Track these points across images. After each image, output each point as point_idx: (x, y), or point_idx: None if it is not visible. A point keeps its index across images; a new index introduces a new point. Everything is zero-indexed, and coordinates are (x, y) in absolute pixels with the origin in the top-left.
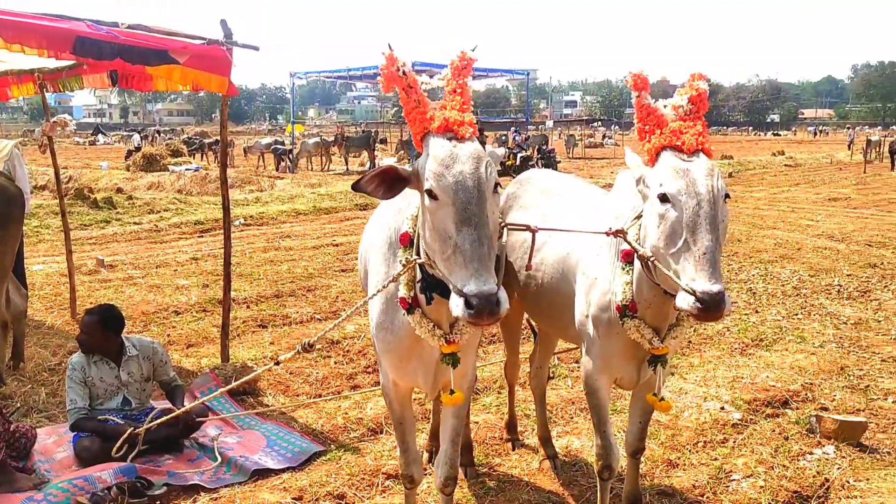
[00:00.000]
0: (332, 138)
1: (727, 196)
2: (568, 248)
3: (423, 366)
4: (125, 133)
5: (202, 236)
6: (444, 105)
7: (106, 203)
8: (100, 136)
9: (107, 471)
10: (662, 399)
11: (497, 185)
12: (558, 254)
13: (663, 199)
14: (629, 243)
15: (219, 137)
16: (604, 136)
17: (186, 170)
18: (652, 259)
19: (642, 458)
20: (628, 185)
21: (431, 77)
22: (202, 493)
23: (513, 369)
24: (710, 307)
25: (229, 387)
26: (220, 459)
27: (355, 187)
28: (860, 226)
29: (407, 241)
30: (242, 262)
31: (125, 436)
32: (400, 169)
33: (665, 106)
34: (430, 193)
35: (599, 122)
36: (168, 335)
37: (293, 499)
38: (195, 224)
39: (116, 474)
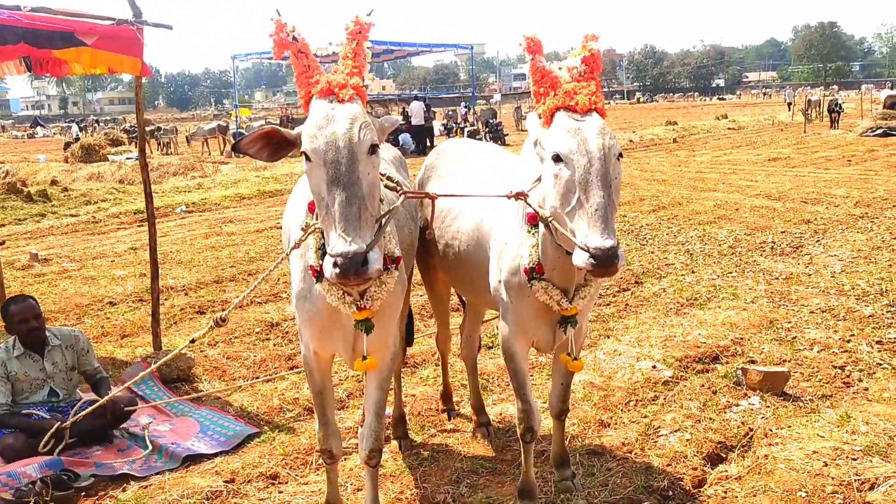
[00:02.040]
0: (277, 121)
1: (620, 155)
2: (481, 216)
3: (342, 333)
4: (64, 124)
5: (142, 225)
6: (336, 70)
7: (40, 196)
8: (38, 129)
9: (31, 465)
10: (576, 358)
11: (374, 146)
12: (473, 222)
13: (556, 158)
14: (530, 205)
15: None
16: None
17: (127, 159)
18: (551, 220)
19: (571, 420)
20: (531, 150)
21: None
22: (132, 482)
23: (445, 341)
24: (604, 262)
25: (149, 369)
26: (150, 447)
27: (235, 147)
28: (797, 184)
29: (314, 208)
30: (182, 250)
31: (52, 430)
32: (283, 131)
33: (560, 68)
34: (306, 155)
35: None
36: (102, 327)
37: (225, 482)
38: (135, 213)
39: (42, 468)
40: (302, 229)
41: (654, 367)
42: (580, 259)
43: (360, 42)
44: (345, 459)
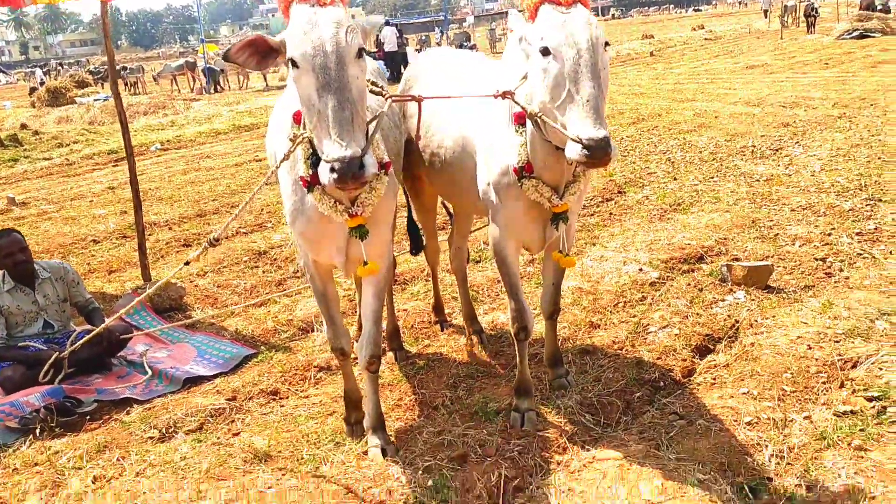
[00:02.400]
0: None
1: (607, 44)
2: (467, 121)
3: (335, 242)
4: (27, 70)
5: (117, 165)
6: None
7: (11, 141)
8: (0, 76)
9: (33, 395)
10: (567, 255)
11: (361, 50)
12: (458, 128)
13: (545, 52)
14: (517, 103)
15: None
16: None
17: (95, 100)
18: (540, 116)
19: (562, 323)
20: (516, 49)
21: None
22: (135, 406)
23: (433, 253)
24: (597, 152)
25: (141, 297)
26: (150, 373)
27: (225, 57)
28: (776, 90)
29: (299, 118)
30: (162, 186)
31: (51, 360)
32: (269, 38)
33: None
34: (293, 62)
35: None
36: (88, 264)
37: (227, 399)
38: (108, 154)
39: (44, 397)
40: (290, 140)
41: (641, 269)
42: (573, 151)
43: None
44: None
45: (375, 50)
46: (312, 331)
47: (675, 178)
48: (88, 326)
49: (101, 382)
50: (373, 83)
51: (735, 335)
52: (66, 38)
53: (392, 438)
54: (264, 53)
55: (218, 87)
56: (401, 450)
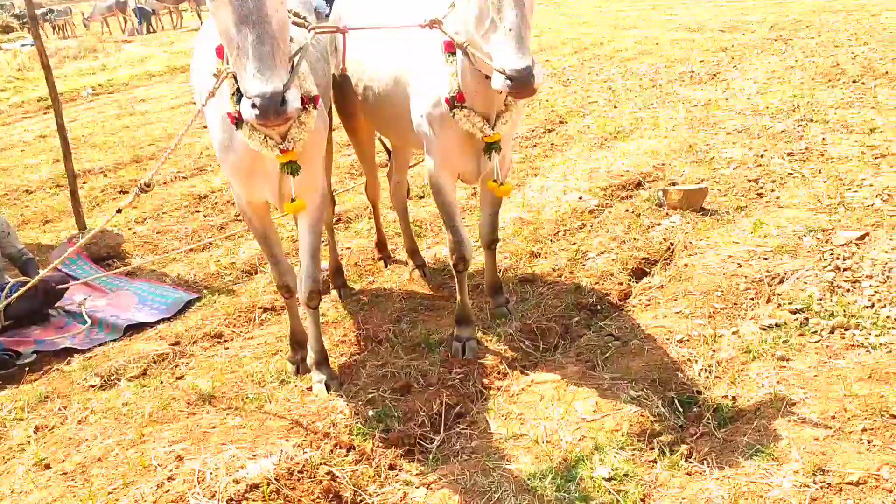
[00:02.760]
0: None
1: None
2: (399, 53)
3: (267, 179)
4: None
5: (48, 112)
6: None
7: None
8: None
9: None
10: (502, 184)
11: None
12: (390, 60)
13: None
14: (445, 32)
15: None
16: None
17: (22, 46)
18: (467, 45)
19: (503, 253)
20: None
21: None
22: (76, 355)
23: (373, 189)
24: (520, 82)
25: (76, 246)
26: (89, 322)
27: None
28: (715, 14)
29: (222, 53)
30: (95, 133)
31: None
32: None
33: None
34: None
35: None
36: (22, 215)
37: (170, 345)
38: (38, 101)
39: None
40: (214, 76)
41: (581, 198)
42: (498, 82)
43: None
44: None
45: None
46: (256, 273)
47: (615, 107)
48: (23, 278)
49: (39, 334)
50: (295, 13)
51: (670, 257)
52: None
53: (336, 373)
54: None
55: (150, 28)
56: (345, 384)
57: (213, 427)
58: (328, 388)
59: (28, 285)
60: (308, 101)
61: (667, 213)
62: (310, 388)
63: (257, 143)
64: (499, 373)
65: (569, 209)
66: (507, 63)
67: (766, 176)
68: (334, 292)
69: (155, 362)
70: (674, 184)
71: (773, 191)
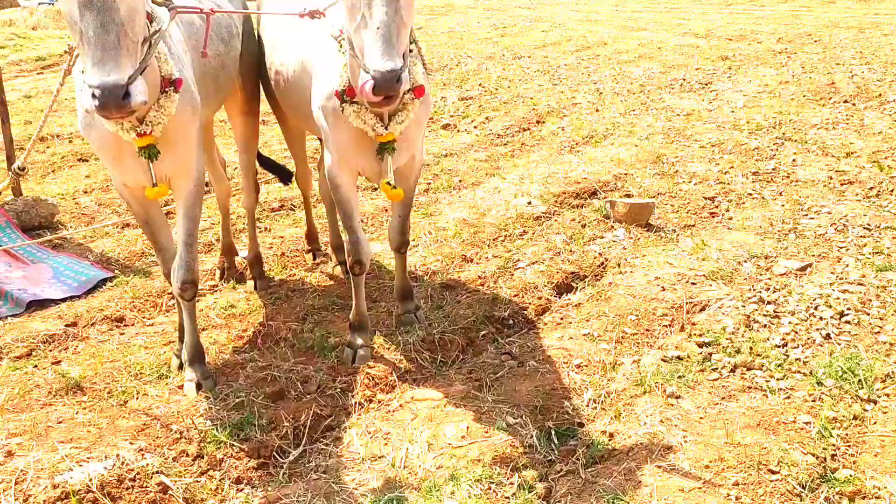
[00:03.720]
0: None
1: None
2: (303, 40)
3: (136, 162)
4: None
5: (42, 73)
6: None
7: None
8: None
9: None
10: (395, 187)
11: None
12: (297, 48)
13: None
14: (330, 24)
15: None
16: None
17: (40, 4)
18: (342, 39)
19: (435, 255)
20: None
21: None
22: None
23: (304, 178)
24: (382, 86)
25: None
26: None
27: None
28: (727, 22)
29: None
30: (70, 97)
31: None
32: None
33: None
34: None
35: None
36: None
37: (66, 325)
38: (36, 60)
39: None
40: (67, 52)
41: (530, 203)
42: (363, 81)
43: None
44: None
45: None
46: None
47: (597, 110)
48: None
49: None
50: None
51: (601, 274)
52: None
53: (211, 372)
54: None
55: None
56: (220, 384)
57: (61, 422)
58: (198, 388)
59: None
60: (168, 84)
61: (612, 227)
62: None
63: (111, 124)
64: (386, 384)
65: (514, 214)
66: (371, 63)
67: (725, 195)
68: (250, 283)
69: (44, 343)
70: (629, 195)
71: (727, 210)
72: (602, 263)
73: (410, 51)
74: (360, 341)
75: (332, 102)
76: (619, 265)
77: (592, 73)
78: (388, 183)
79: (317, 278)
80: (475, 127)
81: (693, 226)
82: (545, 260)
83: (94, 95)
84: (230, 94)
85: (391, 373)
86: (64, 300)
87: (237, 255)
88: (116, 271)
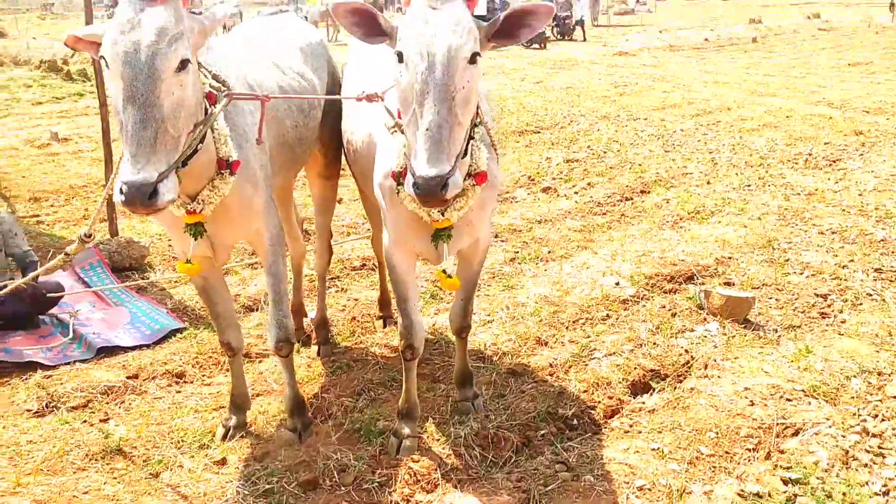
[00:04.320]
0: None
1: (475, 56)
2: (371, 114)
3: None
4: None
5: None
6: None
7: (80, 75)
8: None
9: None
10: (451, 276)
11: (185, 62)
12: (365, 120)
13: (399, 57)
14: (386, 109)
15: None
16: (637, 2)
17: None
18: (394, 128)
19: (510, 333)
20: None
21: None
22: (38, 371)
23: (379, 244)
24: (426, 192)
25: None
26: (71, 335)
27: None
28: (867, 92)
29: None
30: None
31: None
32: (81, 33)
33: None
34: (104, 58)
35: None
36: (86, 209)
37: (127, 377)
38: None
39: None
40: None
41: (618, 283)
42: (407, 183)
43: None
44: (259, 362)
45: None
46: (256, 311)
47: (709, 182)
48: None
49: (18, 341)
50: (214, 76)
51: (684, 375)
52: None
53: (311, 420)
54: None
55: None
56: (254, 464)
57: (86, 493)
58: (300, 437)
59: (10, 287)
60: (225, 165)
61: (705, 319)
62: (222, 461)
63: None
64: (428, 483)
65: (600, 295)
66: (416, 167)
67: (840, 293)
68: (315, 347)
69: (102, 394)
70: (729, 284)
71: (840, 312)
72: (687, 362)
73: (472, 138)
74: (406, 430)
75: (389, 182)
76: (705, 366)
77: (710, 140)
78: (444, 271)
79: (382, 348)
80: (576, 192)
81: (798, 327)
82: (624, 352)
83: (121, 190)
84: (310, 159)
85: (436, 469)
86: (133, 348)
87: (306, 316)
88: (187, 323)
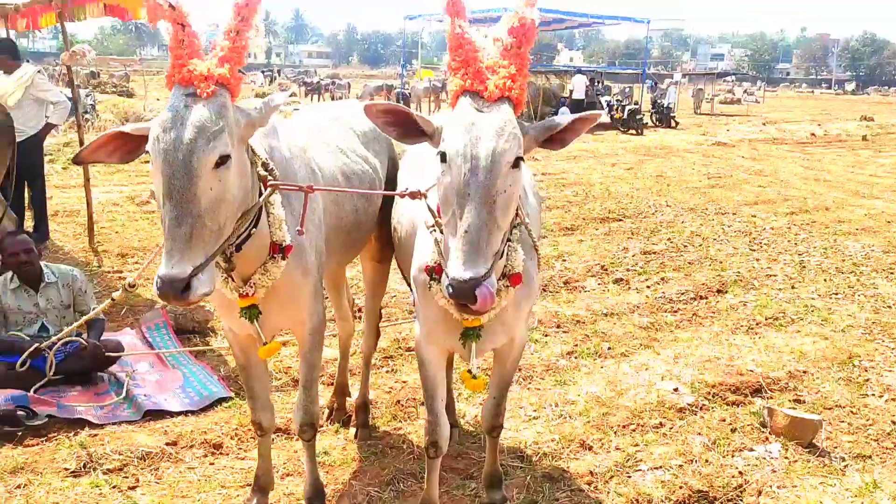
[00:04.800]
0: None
1: (519, 160)
2: (419, 205)
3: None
4: (266, 72)
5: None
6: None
7: None
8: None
9: None
10: (475, 377)
11: (225, 157)
12: (409, 209)
13: (442, 158)
14: (428, 207)
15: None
16: (745, 92)
17: (294, 110)
18: (433, 227)
19: (554, 433)
20: None
21: None
22: (86, 429)
23: None
24: (459, 296)
25: (74, 326)
26: (124, 395)
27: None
28: None
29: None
30: None
31: (29, 350)
32: (130, 129)
33: (486, 36)
34: (149, 152)
35: (733, 77)
36: (133, 268)
37: (166, 444)
38: None
39: (6, 401)
40: None
41: (676, 389)
42: (443, 283)
43: (246, 19)
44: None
45: (566, 96)
46: None
47: (793, 287)
48: (80, 339)
49: (74, 397)
50: (263, 163)
51: (736, 499)
52: (305, 49)
53: None
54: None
55: None
56: None
57: None
58: None
59: (64, 334)
60: (278, 249)
61: (766, 438)
62: None
63: (219, 281)
64: None
65: (655, 400)
66: (450, 268)
67: None
68: (353, 430)
69: (140, 458)
70: (800, 401)
71: None
72: (739, 486)
73: (509, 240)
74: None
75: (423, 276)
76: (759, 493)
77: (801, 241)
78: (469, 371)
79: (420, 435)
80: (648, 286)
81: (868, 457)
82: (672, 466)
83: (156, 283)
84: (365, 244)
85: None
86: (178, 413)
87: (349, 396)
88: (233, 392)
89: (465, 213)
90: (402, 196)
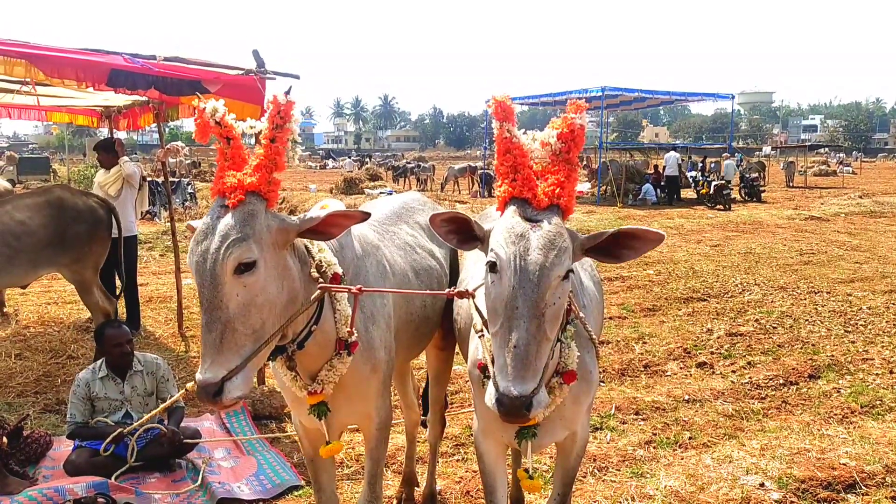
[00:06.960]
0: None
1: (569, 272)
2: (479, 297)
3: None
4: (355, 158)
5: None
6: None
7: None
8: (329, 161)
9: (80, 483)
10: (532, 476)
11: (250, 264)
12: (468, 303)
13: (492, 267)
14: (475, 307)
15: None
16: (840, 164)
17: (380, 193)
18: (480, 332)
19: None
20: None
21: None
22: None
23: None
24: (508, 411)
25: (150, 415)
26: (198, 483)
27: None
28: None
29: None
30: None
31: (113, 435)
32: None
33: (534, 139)
34: None
35: (826, 148)
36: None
37: None
38: None
39: (88, 488)
40: None
41: (763, 484)
42: (489, 396)
43: (281, 126)
44: None
45: (650, 172)
46: None
47: (891, 372)
48: (160, 426)
49: (152, 484)
50: (318, 263)
51: None
52: (392, 133)
53: None
54: None
55: (491, 192)
56: None
57: None
58: None
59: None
60: (343, 346)
61: None
62: None
63: (287, 378)
64: None
65: (739, 496)
66: (499, 381)
67: None
68: None
69: None
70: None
71: None
72: None
73: (560, 341)
74: None
75: (476, 372)
76: None
77: None
78: (526, 470)
79: None
80: (734, 371)
81: None
82: None
83: (194, 384)
84: (433, 337)
85: None
86: (251, 502)
87: (418, 485)
88: (304, 481)
89: (514, 326)
90: (450, 296)
